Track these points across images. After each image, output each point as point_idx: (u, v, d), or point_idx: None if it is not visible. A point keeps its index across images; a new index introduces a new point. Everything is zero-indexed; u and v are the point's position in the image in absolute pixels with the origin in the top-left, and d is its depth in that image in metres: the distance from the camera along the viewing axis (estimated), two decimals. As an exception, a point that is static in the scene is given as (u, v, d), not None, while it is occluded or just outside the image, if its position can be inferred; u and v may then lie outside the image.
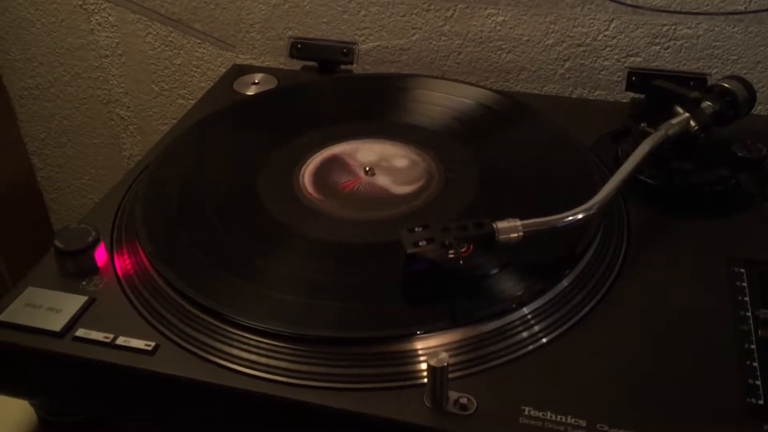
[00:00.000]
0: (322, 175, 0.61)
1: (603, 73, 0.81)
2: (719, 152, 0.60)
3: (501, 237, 0.49)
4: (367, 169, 0.61)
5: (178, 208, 0.58)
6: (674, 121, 0.59)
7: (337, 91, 0.75)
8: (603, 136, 0.67)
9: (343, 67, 0.80)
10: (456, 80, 0.74)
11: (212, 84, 0.80)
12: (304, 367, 0.45)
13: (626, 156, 0.61)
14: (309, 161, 0.63)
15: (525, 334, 0.47)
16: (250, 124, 0.69)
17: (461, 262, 0.48)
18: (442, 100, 0.69)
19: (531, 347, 0.46)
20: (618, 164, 0.62)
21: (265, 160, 0.63)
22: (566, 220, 0.50)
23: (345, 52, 0.78)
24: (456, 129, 0.66)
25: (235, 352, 0.46)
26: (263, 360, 0.45)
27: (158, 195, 0.59)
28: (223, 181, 0.61)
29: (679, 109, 0.61)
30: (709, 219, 0.57)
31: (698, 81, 0.70)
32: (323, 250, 0.54)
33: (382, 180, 0.60)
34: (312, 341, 0.46)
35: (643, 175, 0.60)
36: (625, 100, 0.75)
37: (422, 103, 0.69)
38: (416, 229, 0.49)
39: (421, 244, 0.48)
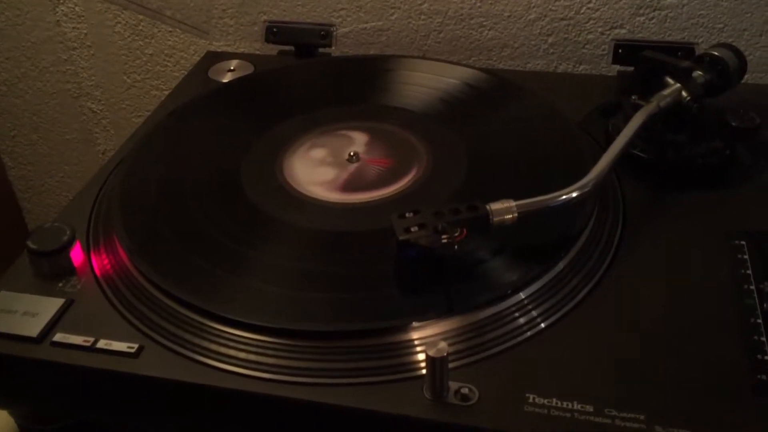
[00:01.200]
0: (305, 161, 0.59)
1: (587, 47, 0.79)
2: (712, 123, 0.59)
3: (495, 219, 0.47)
4: (352, 154, 0.58)
5: (156, 202, 0.56)
6: (666, 92, 0.57)
7: (317, 75, 0.72)
8: (592, 111, 0.66)
9: (321, 50, 0.78)
10: (440, 60, 0.71)
11: (186, 73, 0.77)
12: (296, 363, 0.43)
13: (618, 131, 0.60)
14: (292, 148, 0.60)
15: (523, 320, 0.45)
16: (228, 112, 0.66)
17: (456, 247, 0.46)
18: (427, 80, 0.67)
19: (529, 333, 0.44)
20: (609, 139, 0.60)
21: (246, 149, 0.61)
22: (561, 199, 0.49)
23: (323, 34, 0.76)
24: (442, 110, 0.64)
25: (223, 350, 0.44)
26: (253, 357, 0.43)
27: (135, 189, 0.56)
28: (203, 172, 0.58)
29: (670, 80, 0.59)
30: (705, 192, 0.55)
31: (686, 51, 0.68)
32: (311, 239, 0.52)
33: (368, 165, 0.58)
34: (303, 335, 0.44)
35: (635, 150, 0.58)
36: (611, 74, 0.73)
37: (406, 85, 0.67)
38: (407, 215, 0.47)
39: (413, 230, 0.46)
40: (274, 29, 0.77)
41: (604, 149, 0.59)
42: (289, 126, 0.63)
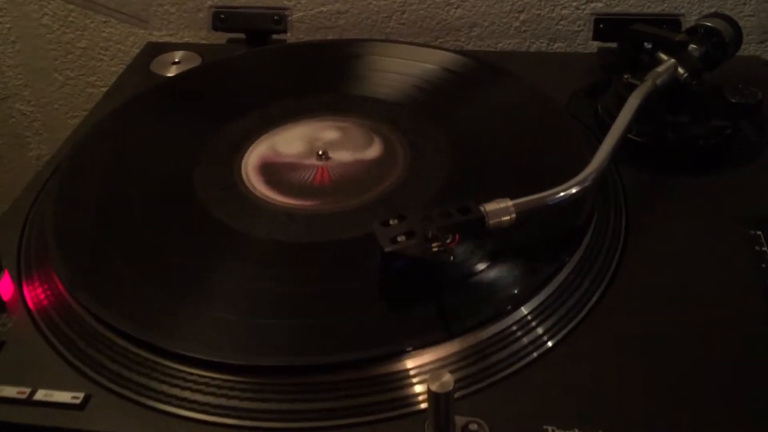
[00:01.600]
0: (268, 163, 0.52)
1: (562, 23, 0.74)
2: (710, 100, 0.54)
3: (491, 221, 0.42)
4: (321, 152, 0.52)
5: (98, 218, 0.48)
6: (660, 69, 0.53)
7: (275, 63, 0.65)
8: (576, 92, 0.61)
9: (275, 36, 0.71)
10: (414, 43, 0.65)
11: (125, 67, 0.69)
12: (270, 405, 0.37)
13: (608, 112, 0.55)
14: (252, 148, 0.54)
15: (526, 340, 0.39)
16: (175, 110, 0.59)
17: (452, 257, 0.40)
18: (400, 66, 0.60)
19: (535, 354, 0.39)
20: (600, 122, 0.56)
21: (199, 152, 0.54)
22: (560, 195, 0.43)
23: (276, 19, 0.69)
24: (419, 98, 0.57)
25: (183, 393, 0.37)
26: (219, 401, 0.37)
27: (72, 205, 0.49)
28: (150, 182, 0.51)
29: (663, 56, 0.54)
30: (709, 175, 0.51)
31: (672, 23, 0.63)
32: (279, 254, 0.45)
33: (339, 164, 0.52)
34: (276, 372, 0.38)
35: (631, 134, 0.53)
36: (588, 51, 0.68)
37: (377, 72, 0.60)
38: (391, 222, 0.41)
39: (399, 239, 0.40)
40: (222, 15, 0.70)
41: (594, 133, 0.55)
42: (247, 123, 0.56)
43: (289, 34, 0.70)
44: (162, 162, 0.53)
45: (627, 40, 0.57)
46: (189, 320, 0.41)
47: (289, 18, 0.69)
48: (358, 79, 0.60)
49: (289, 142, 0.54)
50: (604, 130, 0.54)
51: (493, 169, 0.50)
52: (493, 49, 0.76)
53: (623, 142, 0.50)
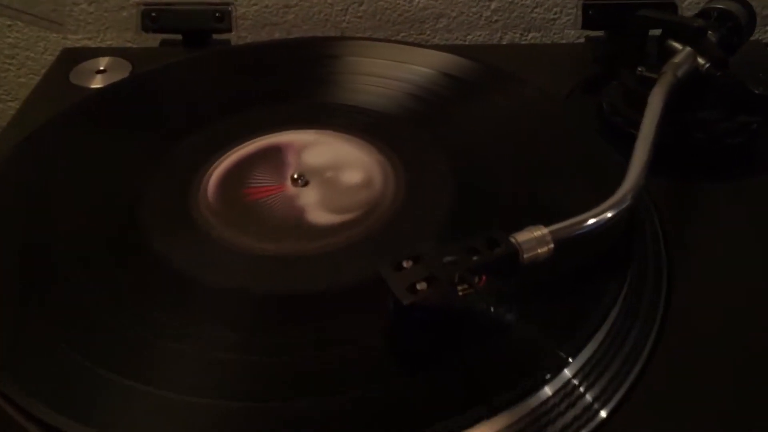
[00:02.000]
0: (230, 193, 0.43)
1: (537, 10, 0.67)
2: (730, 93, 0.48)
3: (526, 255, 0.34)
4: (296, 176, 0.42)
5: (18, 273, 0.38)
6: (677, 59, 0.46)
7: (232, 68, 0.55)
8: (573, 89, 0.54)
9: (216, 37, 0.61)
10: (407, 42, 0.56)
11: (39, 79, 0.58)
12: None
13: (615, 109, 0.49)
14: (207, 175, 0.44)
15: (571, 415, 0.32)
16: (108, 130, 0.49)
17: (492, 308, 0.32)
18: (390, 69, 0.50)
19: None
20: (609, 122, 0.49)
21: (140, 182, 0.44)
22: (599, 217, 0.36)
23: (218, 16, 0.59)
24: (414, 109, 0.48)
25: None
26: None
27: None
28: (79, 222, 0.41)
29: (675, 44, 0.48)
30: (741, 175, 0.45)
31: (667, 7, 0.57)
32: (248, 311, 0.36)
33: (319, 192, 0.42)
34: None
35: (647, 135, 0.46)
36: (566, 41, 0.62)
37: (361, 76, 0.50)
38: (404, 264, 0.33)
39: (419, 287, 0.32)
40: (153, 13, 0.60)
41: (601, 133, 0.47)
42: (199, 143, 0.46)
43: (233, 33, 0.60)
44: (94, 197, 0.43)
45: (633, 28, 0.50)
46: (136, 403, 0.31)
47: (234, 14, 0.60)
48: (337, 85, 0.51)
49: (253, 165, 0.44)
50: (614, 131, 0.48)
51: (505, 192, 0.42)
52: (461, 42, 0.68)
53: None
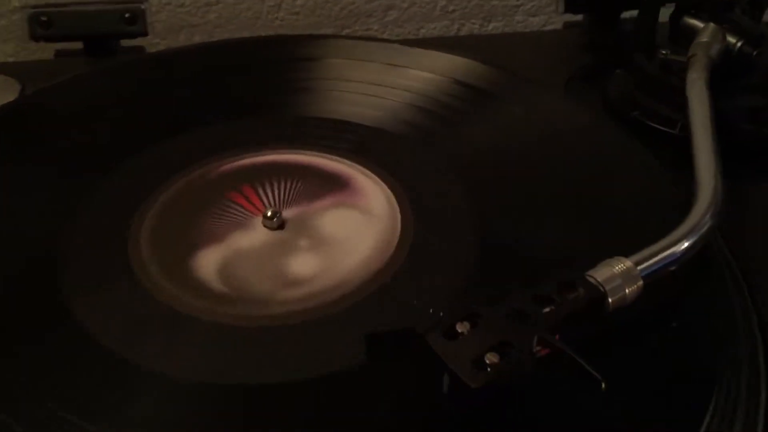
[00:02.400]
0: (182, 240, 0.32)
1: (497, -3, 0.59)
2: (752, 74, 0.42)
3: (613, 298, 0.25)
4: (270, 214, 0.32)
5: None
6: (704, 38, 0.39)
7: (166, 78, 0.43)
8: (569, 79, 0.46)
9: (124, 43, 0.50)
10: (405, 42, 0.46)
11: None
12: None
13: (629, 99, 0.42)
14: (149, 216, 0.33)
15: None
16: (9, 166, 0.36)
17: (599, 379, 0.23)
18: (387, 75, 0.39)
19: None
20: (615, 114, 0.41)
21: (59, 228, 0.32)
22: (686, 242, 0.28)
23: (128, 17, 0.48)
24: (419, 124, 0.37)
25: None
26: None
27: None
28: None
29: (694, 21, 0.41)
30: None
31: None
32: (212, 401, 0.25)
33: (303, 234, 0.32)
34: None
35: (674, 129, 0.39)
36: (529, 29, 0.55)
37: (349, 83, 0.39)
38: (459, 329, 0.24)
39: (489, 360, 0.23)
40: (44, 18, 0.48)
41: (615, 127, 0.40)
42: (133, 176, 0.35)
43: (150, 37, 0.49)
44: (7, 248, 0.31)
45: (648, 6, 0.43)
46: None
47: (147, 13, 0.49)
48: (315, 94, 0.39)
49: (214, 200, 0.34)
50: (628, 124, 0.41)
51: (537, 224, 0.33)
52: (414, 36, 0.60)
53: (662, 140, 0.37)
